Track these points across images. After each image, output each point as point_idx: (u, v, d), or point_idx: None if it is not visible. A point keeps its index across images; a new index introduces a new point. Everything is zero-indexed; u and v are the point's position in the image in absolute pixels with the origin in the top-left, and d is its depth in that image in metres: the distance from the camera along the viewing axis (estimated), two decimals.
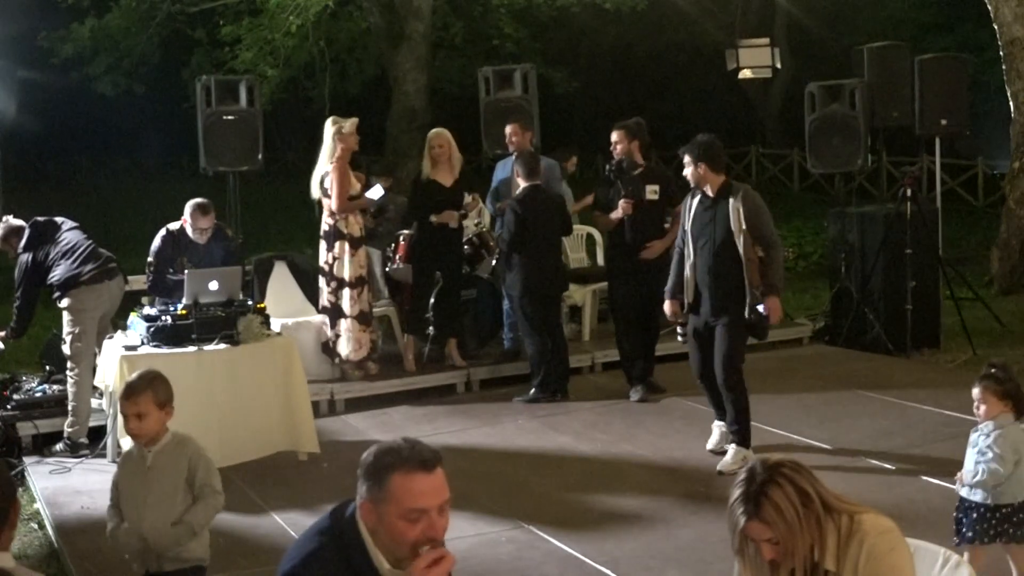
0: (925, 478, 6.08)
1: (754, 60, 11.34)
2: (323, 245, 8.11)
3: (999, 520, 4.57)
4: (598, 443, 7.08)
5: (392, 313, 8.89)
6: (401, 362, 8.51)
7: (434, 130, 8.60)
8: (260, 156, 8.96)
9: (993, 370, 4.65)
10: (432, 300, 8.55)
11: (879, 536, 2.77)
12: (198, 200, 7.41)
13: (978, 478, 4.55)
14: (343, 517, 2.68)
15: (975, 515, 4.60)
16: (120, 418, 6.38)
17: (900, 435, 6.87)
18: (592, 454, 6.89)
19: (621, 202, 7.68)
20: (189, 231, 7.40)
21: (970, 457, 4.64)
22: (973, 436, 4.68)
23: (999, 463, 4.52)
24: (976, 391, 4.64)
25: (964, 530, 4.63)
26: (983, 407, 4.61)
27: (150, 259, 7.51)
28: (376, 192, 8.17)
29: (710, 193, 6.38)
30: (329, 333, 8.10)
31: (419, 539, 2.56)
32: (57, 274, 6.99)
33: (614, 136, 7.88)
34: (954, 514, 4.70)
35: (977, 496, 4.59)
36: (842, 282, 9.76)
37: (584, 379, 8.65)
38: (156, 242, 7.49)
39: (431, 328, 8.68)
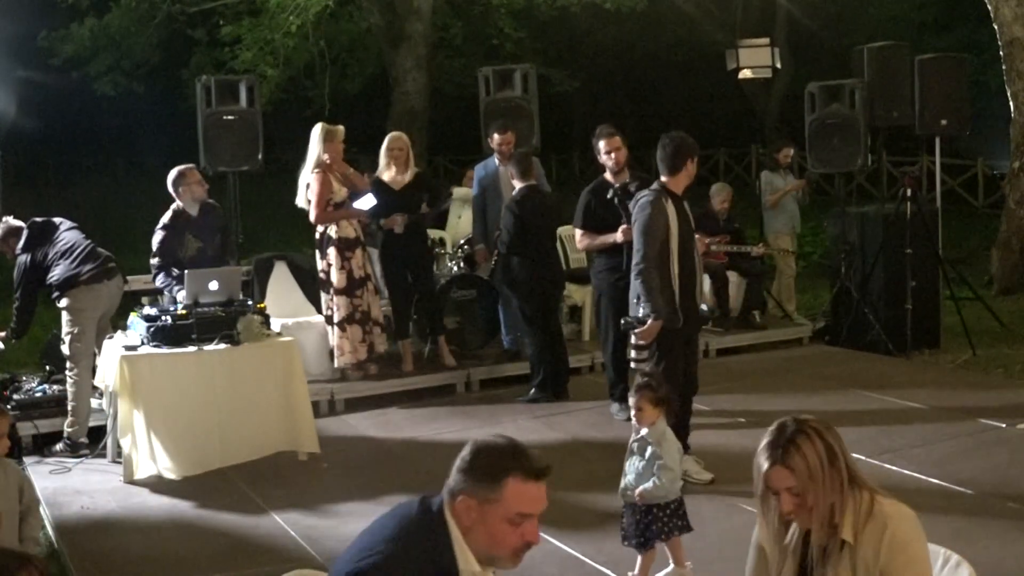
0: (925, 478, 6.07)
1: (754, 60, 11.32)
2: (317, 253, 8.13)
3: (663, 517, 4.80)
4: (598, 443, 7.08)
5: (392, 313, 8.89)
6: (401, 362, 8.51)
7: (394, 133, 8.65)
8: (260, 156, 8.95)
9: (647, 379, 4.93)
10: (415, 303, 8.55)
11: (903, 522, 2.80)
12: (178, 167, 7.52)
13: (659, 484, 4.73)
14: (431, 512, 2.66)
15: (650, 517, 4.77)
16: (120, 418, 6.44)
17: (900, 435, 6.87)
18: (592, 454, 6.89)
19: (623, 227, 7.04)
20: (187, 197, 7.43)
21: (632, 464, 4.84)
22: (634, 444, 4.87)
23: (673, 463, 4.80)
24: (632, 400, 4.89)
25: (640, 533, 4.78)
26: (640, 414, 4.85)
27: (154, 261, 7.49)
28: (367, 202, 8.12)
29: (679, 193, 6.26)
30: (334, 341, 8.10)
31: (518, 543, 2.66)
32: (56, 274, 6.99)
33: (615, 142, 7.25)
34: (624, 521, 4.87)
35: (651, 500, 4.77)
36: (842, 282, 9.77)
37: (584, 379, 8.64)
38: (158, 237, 7.48)
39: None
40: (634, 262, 6.06)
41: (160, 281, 7.44)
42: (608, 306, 7.40)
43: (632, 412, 4.91)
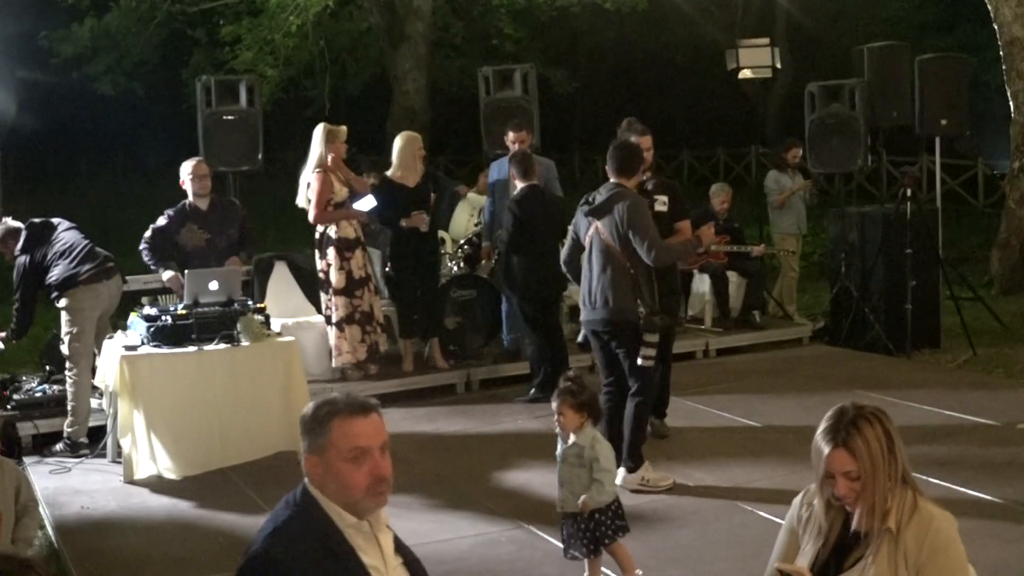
0: (925, 478, 6.06)
1: (754, 60, 11.31)
2: (317, 253, 8.12)
3: (606, 520, 4.73)
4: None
5: (392, 313, 8.89)
6: (401, 362, 8.51)
7: (413, 133, 8.62)
8: (260, 156, 8.96)
9: (569, 383, 4.75)
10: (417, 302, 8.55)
11: (947, 524, 2.85)
12: (189, 159, 7.75)
13: (602, 488, 4.65)
14: (294, 492, 2.78)
15: (593, 523, 4.70)
16: (120, 418, 6.44)
17: (900, 435, 6.86)
18: None
19: None
20: (191, 191, 7.61)
21: (572, 473, 4.72)
22: (568, 453, 4.75)
23: (609, 465, 4.72)
24: (554, 404, 4.76)
25: (590, 540, 4.72)
26: (562, 419, 4.73)
27: (146, 234, 7.65)
28: (367, 204, 8.10)
29: None
30: (333, 341, 8.10)
31: (367, 481, 2.68)
32: (55, 274, 6.99)
33: (646, 142, 6.91)
34: (565, 533, 4.80)
35: (595, 506, 4.69)
36: (842, 282, 9.77)
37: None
38: (161, 220, 7.64)
39: None
40: (648, 255, 5.97)
41: (146, 255, 7.66)
42: None
43: (555, 417, 4.78)
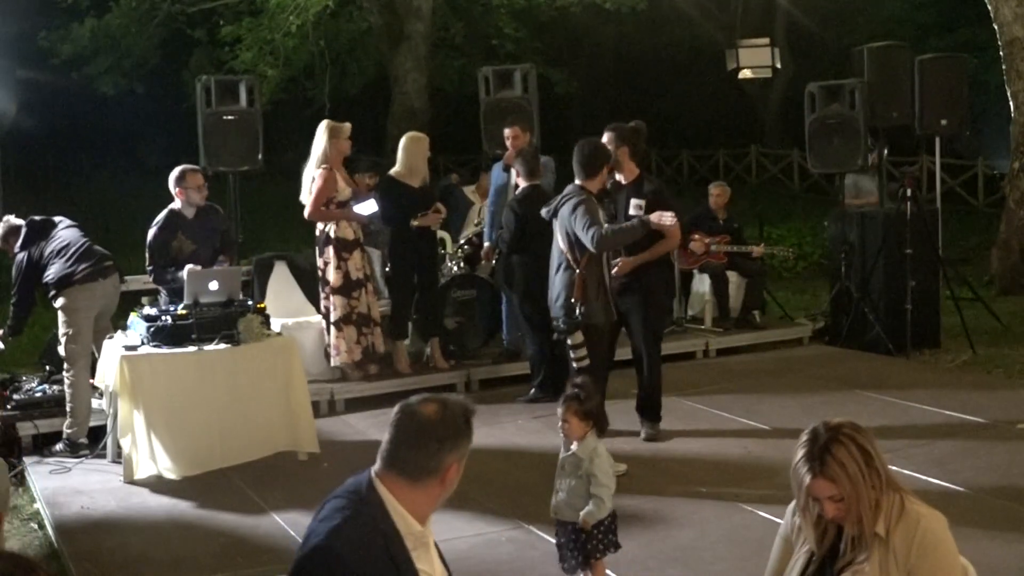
0: (924, 478, 6.07)
1: (754, 60, 11.35)
2: (317, 250, 8.12)
3: (598, 535, 4.65)
4: None
5: (391, 313, 8.88)
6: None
7: (420, 134, 8.58)
8: (260, 156, 8.94)
9: (576, 390, 4.66)
10: (415, 302, 8.54)
11: (935, 522, 2.85)
12: (182, 166, 7.47)
13: (600, 503, 4.57)
14: (359, 488, 2.75)
15: (585, 535, 4.64)
16: (120, 418, 6.44)
17: (900, 435, 6.87)
18: None
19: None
20: (183, 199, 7.36)
21: (566, 483, 4.65)
22: (565, 462, 4.68)
23: (607, 480, 4.61)
24: (560, 411, 4.67)
25: (579, 552, 4.65)
26: (567, 427, 4.65)
27: (148, 267, 7.47)
28: (368, 208, 8.09)
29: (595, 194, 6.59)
30: (328, 339, 8.10)
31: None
32: (51, 273, 6.96)
33: (605, 138, 7.01)
34: (558, 540, 4.73)
35: (593, 521, 4.63)
36: (842, 282, 9.77)
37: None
38: (149, 236, 7.42)
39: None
40: (591, 242, 6.24)
41: (157, 281, 7.44)
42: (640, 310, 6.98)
43: (559, 424, 4.71)
